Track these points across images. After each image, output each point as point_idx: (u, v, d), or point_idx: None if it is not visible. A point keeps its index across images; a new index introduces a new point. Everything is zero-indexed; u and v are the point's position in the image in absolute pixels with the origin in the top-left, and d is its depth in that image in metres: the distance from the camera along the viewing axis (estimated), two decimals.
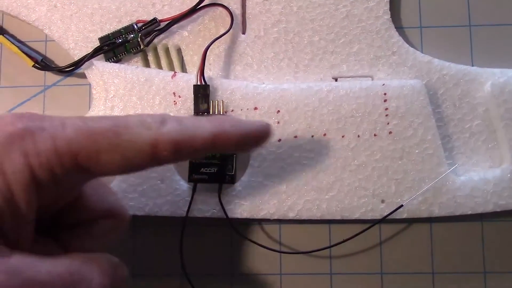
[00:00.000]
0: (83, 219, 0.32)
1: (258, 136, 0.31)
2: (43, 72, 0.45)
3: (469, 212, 0.39)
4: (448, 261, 0.41)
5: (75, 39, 0.44)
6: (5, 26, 0.46)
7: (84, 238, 0.31)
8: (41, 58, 0.45)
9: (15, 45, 0.44)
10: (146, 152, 0.27)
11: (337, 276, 0.42)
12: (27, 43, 0.46)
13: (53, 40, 0.45)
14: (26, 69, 0.44)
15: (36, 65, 0.44)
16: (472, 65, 0.42)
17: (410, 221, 0.41)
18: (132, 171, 0.28)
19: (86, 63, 0.43)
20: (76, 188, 0.30)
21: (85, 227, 0.32)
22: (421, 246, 0.41)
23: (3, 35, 0.45)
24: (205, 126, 0.29)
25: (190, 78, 0.41)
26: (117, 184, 0.41)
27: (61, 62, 0.45)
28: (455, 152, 0.41)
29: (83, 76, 0.44)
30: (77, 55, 0.44)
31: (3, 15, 0.46)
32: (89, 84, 0.44)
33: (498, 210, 0.39)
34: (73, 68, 0.44)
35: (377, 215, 0.39)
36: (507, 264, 0.41)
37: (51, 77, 0.45)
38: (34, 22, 0.45)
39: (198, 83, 0.41)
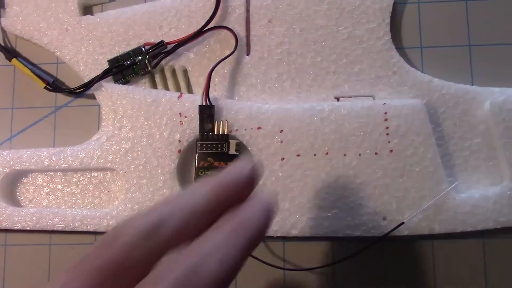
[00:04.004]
0: None
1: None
2: (54, 93, 0.47)
3: (470, 229, 0.40)
4: (450, 277, 0.41)
5: (85, 61, 0.46)
6: (18, 49, 0.48)
7: None
8: (52, 80, 0.46)
9: (28, 68, 0.46)
10: None
11: None
12: (39, 65, 0.48)
13: (64, 63, 0.46)
14: (38, 91, 0.46)
15: (47, 86, 0.46)
16: (472, 84, 0.43)
17: (413, 238, 0.42)
18: None
19: (96, 84, 0.45)
20: None
21: None
22: (423, 263, 0.42)
23: (16, 58, 0.46)
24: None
25: (196, 99, 0.42)
26: (121, 203, 0.42)
27: (72, 83, 0.46)
28: (456, 169, 0.42)
29: (93, 97, 0.46)
30: (87, 77, 0.45)
31: (16, 38, 0.48)
32: (99, 105, 0.46)
33: (499, 227, 0.40)
34: (83, 90, 0.45)
35: (379, 233, 0.40)
36: (509, 281, 0.41)
37: (62, 98, 0.47)
38: (46, 45, 0.46)
39: (204, 103, 0.42)
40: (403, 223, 0.40)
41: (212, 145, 0.41)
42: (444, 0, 0.44)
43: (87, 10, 0.48)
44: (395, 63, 0.42)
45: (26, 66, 0.46)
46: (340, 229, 0.40)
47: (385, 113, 0.41)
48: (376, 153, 0.41)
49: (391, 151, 0.40)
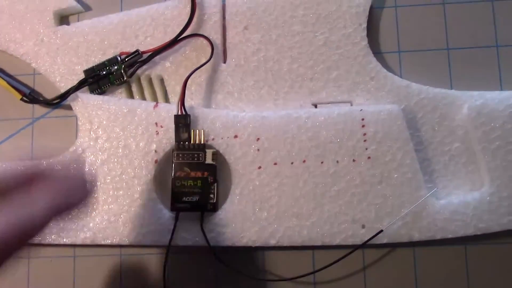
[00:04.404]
0: None
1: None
2: (31, 104, 0.46)
3: (450, 236, 0.39)
4: (432, 285, 0.41)
5: (61, 72, 0.45)
6: None
7: None
8: (29, 91, 0.46)
9: (4, 79, 0.46)
10: None
11: None
12: (15, 76, 0.47)
13: (41, 74, 0.46)
14: (15, 102, 0.45)
15: (24, 98, 0.45)
16: (451, 88, 0.42)
17: (394, 246, 0.41)
18: None
19: (72, 95, 0.44)
20: None
21: None
22: (405, 270, 0.41)
23: None
24: None
25: (172, 108, 0.42)
26: (98, 215, 0.41)
27: (50, 94, 0.46)
28: (435, 175, 0.41)
29: (70, 108, 0.45)
30: (64, 88, 0.45)
31: None
32: (76, 116, 0.45)
33: (479, 233, 0.39)
34: (60, 101, 0.45)
35: (358, 241, 0.40)
36: (491, 287, 0.40)
37: (39, 109, 0.46)
38: (22, 56, 0.46)
39: (179, 113, 0.41)
40: (381, 231, 0.39)
41: (189, 154, 0.41)
42: (421, 4, 0.44)
43: (63, 20, 0.47)
44: (373, 68, 0.42)
45: (2, 78, 0.46)
46: (319, 237, 0.40)
47: (362, 119, 0.40)
48: (354, 160, 0.40)
49: (369, 157, 0.40)
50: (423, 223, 0.39)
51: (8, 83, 0.45)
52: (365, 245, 0.39)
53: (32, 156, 0.45)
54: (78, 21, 0.47)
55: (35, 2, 0.46)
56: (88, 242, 0.42)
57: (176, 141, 0.41)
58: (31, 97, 0.46)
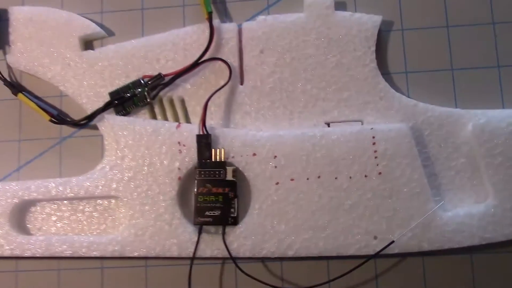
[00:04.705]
0: None
1: None
2: (59, 125, 0.49)
3: (457, 246, 0.42)
4: None
5: (88, 94, 0.48)
6: (24, 84, 0.50)
7: None
8: (57, 112, 0.49)
9: (33, 101, 0.48)
10: None
11: None
12: (43, 98, 0.50)
13: (68, 96, 0.49)
14: (44, 123, 0.48)
15: (52, 119, 0.48)
16: (456, 107, 0.45)
17: (404, 256, 0.44)
18: None
19: (98, 116, 0.47)
20: None
21: None
22: (415, 279, 0.44)
23: (22, 92, 0.49)
24: None
25: (193, 128, 0.45)
26: (126, 229, 0.44)
27: (76, 115, 0.48)
28: (442, 189, 0.44)
29: (96, 128, 0.48)
30: (90, 109, 0.47)
31: (21, 74, 0.50)
32: (102, 135, 0.48)
33: (484, 243, 0.42)
34: (87, 122, 0.47)
35: (371, 251, 0.42)
36: None
37: (66, 129, 0.49)
38: (50, 79, 0.49)
39: (201, 133, 0.44)
40: (393, 241, 0.42)
41: (210, 172, 0.44)
42: (426, 27, 0.47)
43: (88, 45, 0.50)
44: (382, 89, 0.45)
45: (31, 100, 0.48)
46: (334, 248, 0.43)
47: (373, 137, 0.43)
48: (365, 176, 0.43)
49: (379, 173, 0.43)
50: (432, 234, 0.42)
51: (37, 105, 0.48)
52: (377, 255, 0.42)
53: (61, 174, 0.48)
54: (102, 46, 0.50)
55: (62, 29, 0.48)
56: (116, 254, 0.44)
57: (198, 159, 0.44)
58: (59, 118, 0.48)
